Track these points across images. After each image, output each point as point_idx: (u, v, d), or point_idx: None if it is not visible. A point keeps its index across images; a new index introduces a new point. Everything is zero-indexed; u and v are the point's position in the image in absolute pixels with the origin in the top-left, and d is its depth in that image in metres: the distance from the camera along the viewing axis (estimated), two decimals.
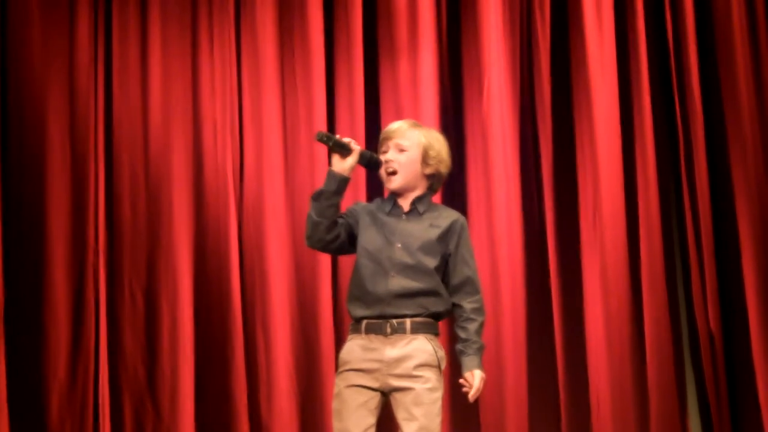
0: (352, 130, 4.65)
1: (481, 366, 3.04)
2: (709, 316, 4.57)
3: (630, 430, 4.55)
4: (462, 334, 3.07)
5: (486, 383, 4.51)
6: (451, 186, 4.70)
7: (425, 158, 3.15)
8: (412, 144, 3.15)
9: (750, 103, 4.66)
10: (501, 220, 4.67)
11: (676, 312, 4.67)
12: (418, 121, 4.62)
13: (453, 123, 4.79)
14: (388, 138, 3.18)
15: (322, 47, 4.73)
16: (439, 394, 3.04)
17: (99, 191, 4.57)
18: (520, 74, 4.80)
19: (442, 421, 4.39)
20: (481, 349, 3.06)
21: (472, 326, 3.07)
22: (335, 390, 3.07)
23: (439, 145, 3.19)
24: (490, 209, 4.68)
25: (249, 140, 4.69)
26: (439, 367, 3.06)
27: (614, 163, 4.70)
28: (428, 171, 3.17)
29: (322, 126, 4.66)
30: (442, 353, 3.08)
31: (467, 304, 3.09)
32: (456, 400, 4.58)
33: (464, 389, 3.04)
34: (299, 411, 4.50)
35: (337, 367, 3.13)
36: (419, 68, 4.74)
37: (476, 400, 4.50)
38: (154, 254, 4.56)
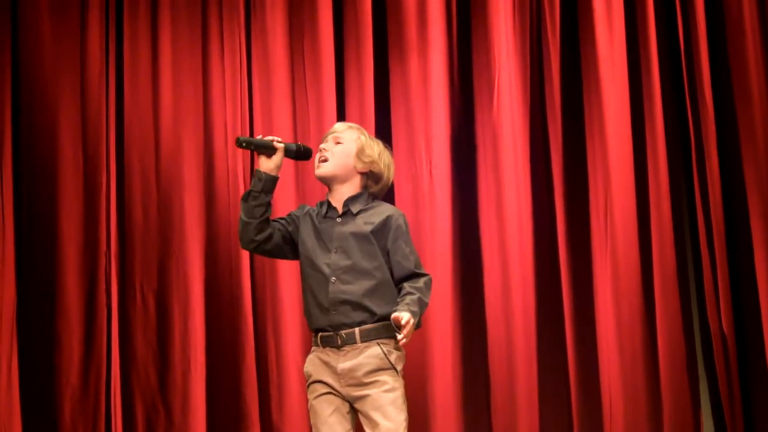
0: None
1: (413, 315, 2.90)
2: (721, 316, 4.52)
3: None
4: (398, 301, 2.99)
5: (497, 385, 4.56)
6: (461, 187, 4.70)
7: (359, 154, 3.15)
8: (350, 139, 3.17)
9: (762, 101, 4.61)
10: (511, 223, 4.64)
11: (689, 313, 4.63)
12: (428, 121, 4.70)
13: (464, 124, 4.77)
14: (328, 134, 3.21)
15: (332, 49, 4.73)
16: (398, 393, 3.00)
17: (111, 196, 4.60)
18: (531, 75, 4.77)
19: (456, 423, 4.49)
20: (413, 305, 2.93)
21: (408, 297, 2.97)
22: (308, 404, 3.08)
23: (378, 149, 3.19)
24: (501, 211, 4.65)
25: None
26: (393, 368, 3.01)
27: (625, 164, 4.66)
28: (360, 167, 3.15)
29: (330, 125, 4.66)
30: (397, 354, 3.04)
31: (407, 285, 3.02)
32: (467, 404, 4.57)
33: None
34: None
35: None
36: (429, 69, 4.73)
37: (488, 403, 4.54)
38: (165, 258, 4.58)
